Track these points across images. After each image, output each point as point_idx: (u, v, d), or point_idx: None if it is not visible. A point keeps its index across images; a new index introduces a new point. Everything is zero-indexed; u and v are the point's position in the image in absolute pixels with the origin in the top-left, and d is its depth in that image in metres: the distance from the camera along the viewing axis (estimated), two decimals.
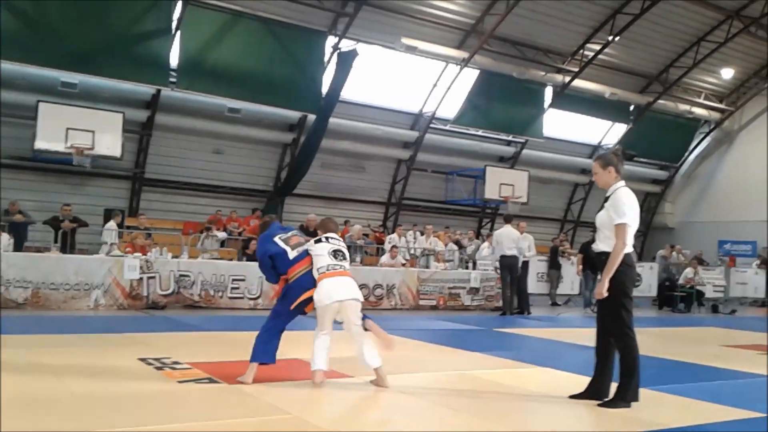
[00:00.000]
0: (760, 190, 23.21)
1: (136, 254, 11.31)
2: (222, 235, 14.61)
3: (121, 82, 15.82)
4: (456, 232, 18.94)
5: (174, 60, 16.03)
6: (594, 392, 4.83)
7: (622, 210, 4.72)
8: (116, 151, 15.33)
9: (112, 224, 13.80)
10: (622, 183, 4.90)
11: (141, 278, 10.68)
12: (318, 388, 5.01)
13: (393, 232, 17.37)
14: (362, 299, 5.26)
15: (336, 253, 5.24)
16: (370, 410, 4.52)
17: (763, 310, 18.86)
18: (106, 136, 15.03)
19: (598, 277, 4.76)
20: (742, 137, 24.73)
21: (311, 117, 18.05)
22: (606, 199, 4.92)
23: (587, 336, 9.49)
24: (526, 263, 13.60)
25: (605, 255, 4.74)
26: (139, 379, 5.07)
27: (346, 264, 5.28)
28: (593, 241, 16.75)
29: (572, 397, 4.91)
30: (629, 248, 4.75)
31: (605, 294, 4.65)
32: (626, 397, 4.69)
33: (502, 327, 10.48)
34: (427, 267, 15.37)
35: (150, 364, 5.62)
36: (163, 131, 17.12)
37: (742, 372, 6.76)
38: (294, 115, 18.52)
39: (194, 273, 11.15)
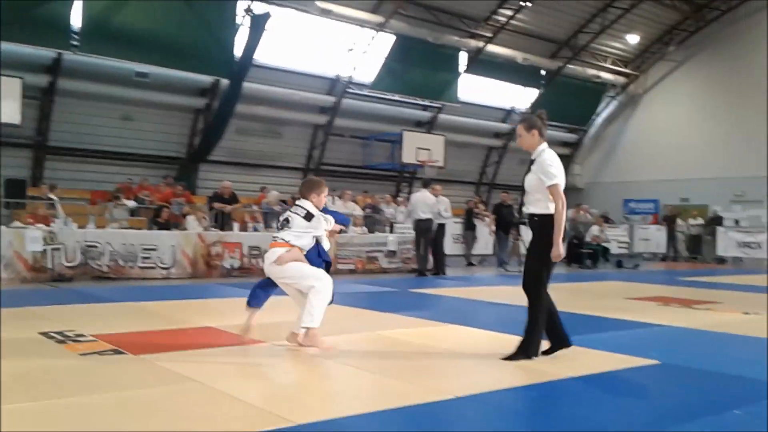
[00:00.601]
0: (662, 151, 24.39)
1: (38, 225, 10.82)
2: (131, 203, 14.14)
3: (20, 46, 14.88)
4: (374, 196, 19.04)
5: (77, 22, 15.21)
6: (558, 343, 5.05)
7: (550, 172, 4.78)
8: (15, 118, 14.54)
9: None
10: (546, 145, 4.95)
11: (44, 250, 10.24)
12: (229, 357, 4.98)
13: None
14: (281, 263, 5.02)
15: (282, 223, 5.15)
16: (281, 374, 4.52)
17: (664, 264, 19.97)
18: (4, 103, 14.18)
19: (520, 237, 5.00)
20: (646, 101, 25.78)
21: (224, 82, 17.59)
22: (531, 162, 4.94)
23: (500, 294, 9.86)
24: (442, 226, 13.84)
25: (537, 217, 4.84)
26: (38, 354, 4.88)
27: (284, 234, 5.07)
28: (507, 204, 16.93)
29: (544, 352, 5.02)
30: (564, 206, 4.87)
31: (562, 254, 4.76)
32: (528, 351, 4.89)
33: (418, 288, 10.67)
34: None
35: (51, 337, 5.42)
36: (67, 97, 16.27)
37: (641, 322, 7.14)
38: (206, 79, 17.98)
39: (102, 243, 10.77)
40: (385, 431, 3.33)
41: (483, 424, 3.53)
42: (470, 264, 16.65)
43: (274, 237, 5.14)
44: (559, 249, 4.73)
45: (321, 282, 4.99)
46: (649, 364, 4.98)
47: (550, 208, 4.80)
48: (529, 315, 4.93)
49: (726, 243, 20.36)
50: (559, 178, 4.80)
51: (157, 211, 13.12)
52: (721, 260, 20.59)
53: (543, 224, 4.82)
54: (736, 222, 21.87)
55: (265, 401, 3.70)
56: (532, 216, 4.89)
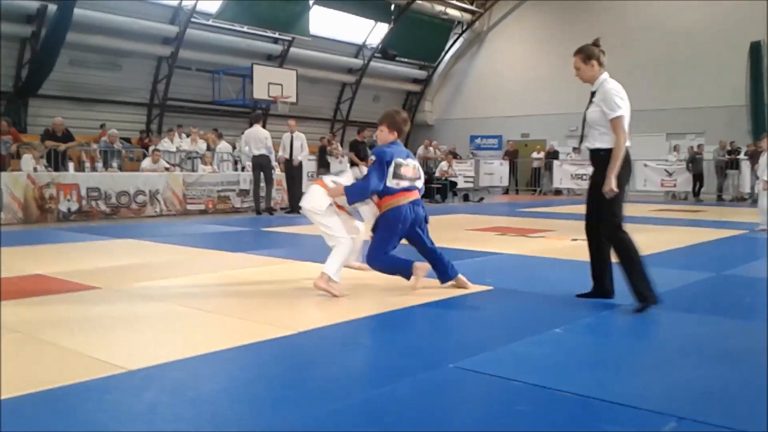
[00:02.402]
0: (506, 88, 25.47)
1: None
2: None
3: None
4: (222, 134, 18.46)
5: None
6: (601, 292, 4.79)
7: (614, 103, 4.49)
8: None
9: None
10: (607, 75, 4.66)
11: None
12: (58, 305, 4.70)
13: (159, 134, 16.47)
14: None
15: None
16: (114, 321, 4.32)
17: (507, 197, 21.15)
18: None
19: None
20: (490, 38, 26.65)
21: (52, 7, 16.07)
22: (593, 94, 4.66)
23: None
24: (300, 164, 13.72)
25: (603, 151, 4.55)
26: None
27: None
28: (362, 140, 16.79)
29: (579, 296, 4.86)
30: (628, 141, 4.56)
31: (615, 190, 4.43)
32: (647, 297, 4.48)
33: (271, 227, 10.58)
34: (194, 170, 14.89)
35: None
36: None
37: (479, 251, 7.55)
38: (31, 5, 16.36)
39: None
40: (221, 370, 3.30)
41: (320, 355, 3.60)
42: None
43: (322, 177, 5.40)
44: (612, 183, 4.43)
45: (346, 240, 5.12)
46: (483, 290, 5.29)
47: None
48: (622, 263, 4.54)
49: (561, 175, 21.86)
50: (624, 110, 4.51)
51: None
52: (558, 191, 22.13)
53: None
54: (574, 149, 23.47)
55: (94, 349, 3.53)
56: (596, 151, 4.60)
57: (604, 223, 4.61)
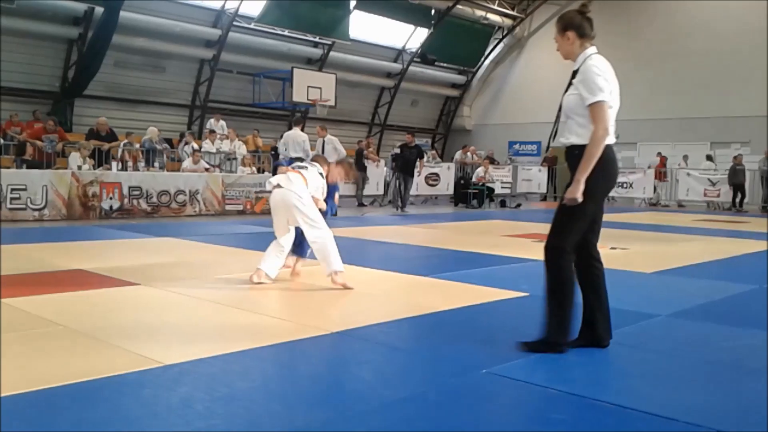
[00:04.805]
0: (545, 93, 25.21)
1: None
2: None
3: None
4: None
5: None
6: (590, 339, 3.69)
7: (595, 84, 3.48)
8: None
9: None
10: (594, 49, 3.65)
11: None
12: (97, 300, 4.80)
13: (200, 137, 16.75)
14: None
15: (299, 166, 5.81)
16: (152, 315, 4.40)
17: (544, 203, 20.93)
18: None
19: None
20: (531, 44, 26.42)
21: (99, 9, 16.43)
22: (574, 74, 3.67)
23: (390, 233, 10.05)
24: None
25: (578, 149, 3.52)
26: None
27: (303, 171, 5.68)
28: (412, 145, 16.80)
29: (569, 344, 3.63)
30: (611, 137, 3.53)
31: (579, 198, 3.45)
32: (549, 341, 3.61)
33: None
34: (232, 171, 15.07)
35: None
36: None
37: (514, 257, 7.48)
38: (79, 6, 16.73)
39: None
40: (255, 368, 3.33)
41: (353, 356, 3.61)
42: (361, 204, 16.77)
43: (293, 166, 5.75)
44: (578, 190, 3.44)
45: (328, 232, 5.39)
46: (518, 296, 5.24)
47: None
48: (547, 294, 3.65)
49: None
50: (607, 93, 3.49)
51: (20, 147, 12.20)
52: None
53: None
54: None
55: (131, 343, 3.60)
56: (572, 149, 3.58)
57: (549, 237, 3.64)
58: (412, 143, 15.73)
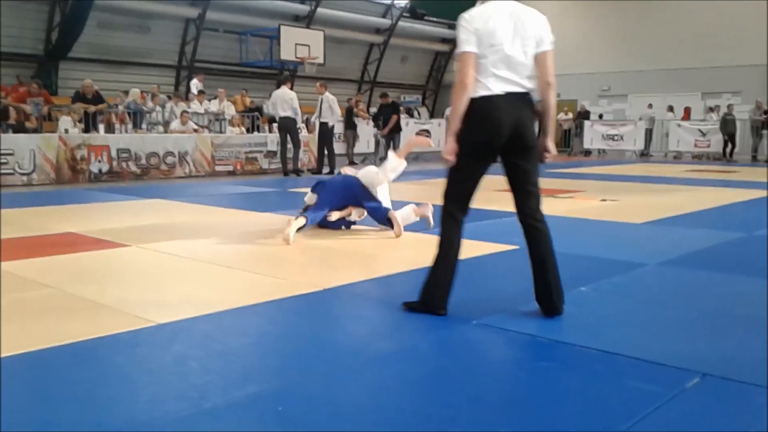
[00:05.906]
0: None
1: None
2: None
3: None
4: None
5: None
6: (541, 306, 3.48)
7: (458, 39, 3.30)
8: None
9: None
10: (485, 2, 3.37)
11: None
12: (89, 262, 4.80)
13: (187, 97, 16.52)
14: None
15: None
16: (144, 277, 4.41)
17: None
18: None
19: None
20: None
21: None
22: None
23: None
24: (332, 126, 13.87)
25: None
26: None
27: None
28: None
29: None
30: (489, 86, 3.20)
31: (449, 159, 3.30)
32: (423, 298, 3.52)
33: (296, 187, 10.62)
34: (221, 132, 14.96)
35: None
36: None
37: (507, 212, 7.46)
38: None
39: None
40: (249, 325, 3.36)
41: (346, 311, 3.64)
42: (352, 162, 16.70)
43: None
44: (446, 149, 3.30)
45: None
46: (510, 249, 5.27)
47: (478, 89, 3.22)
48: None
49: (592, 136, 21.52)
50: (469, 45, 3.21)
51: (3, 112, 11.99)
52: (587, 152, 21.81)
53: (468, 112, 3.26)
54: (600, 116, 23.08)
55: (124, 303, 3.61)
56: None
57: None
58: (389, 101, 15.87)
